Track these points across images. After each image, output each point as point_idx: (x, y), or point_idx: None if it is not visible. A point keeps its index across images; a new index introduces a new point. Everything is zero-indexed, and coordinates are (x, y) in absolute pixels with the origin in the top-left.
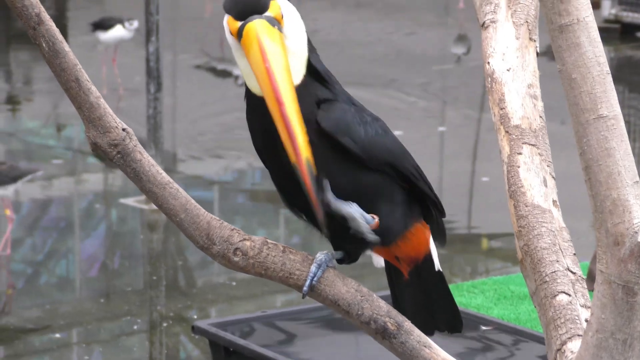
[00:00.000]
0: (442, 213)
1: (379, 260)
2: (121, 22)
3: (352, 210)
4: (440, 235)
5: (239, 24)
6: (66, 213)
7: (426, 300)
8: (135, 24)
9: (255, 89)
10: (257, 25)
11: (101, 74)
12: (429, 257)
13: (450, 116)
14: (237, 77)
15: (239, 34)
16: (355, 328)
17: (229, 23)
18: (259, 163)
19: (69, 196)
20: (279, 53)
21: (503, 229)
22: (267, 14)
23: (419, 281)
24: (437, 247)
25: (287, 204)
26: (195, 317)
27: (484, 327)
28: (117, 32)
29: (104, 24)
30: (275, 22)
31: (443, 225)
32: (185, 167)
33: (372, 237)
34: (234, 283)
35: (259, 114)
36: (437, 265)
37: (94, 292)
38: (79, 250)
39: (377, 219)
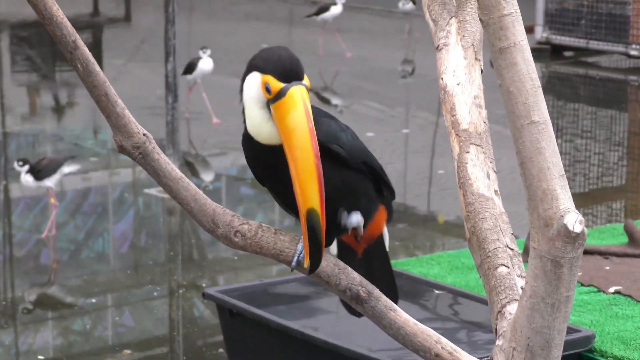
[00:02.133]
0: (394, 196)
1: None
2: (197, 60)
3: (359, 219)
4: (389, 214)
5: (282, 85)
6: (102, 200)
7: (372, 275)
8: (209, 51)
9: (269, 139)
10: (303, 90)
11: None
12: (380, 238)
13: (413, 120)
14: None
15: (279, 93)
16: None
17: (268, 81)
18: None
19: (103, 187)
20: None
21: (455, 213)
22: (304, 82)
23: (368, 259)
24: (387, 222)
25: (283, 206)
26: (205, 285)
27: (437, 292)
28: (199, 69)
29: (189, 69)
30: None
31: (392, 206)
32: (198, 163)
33: (362, 230)
34: (236, 257)
35: (267, 159)
36: (387, 246)
37: (124, 265)
38: (112, 231)
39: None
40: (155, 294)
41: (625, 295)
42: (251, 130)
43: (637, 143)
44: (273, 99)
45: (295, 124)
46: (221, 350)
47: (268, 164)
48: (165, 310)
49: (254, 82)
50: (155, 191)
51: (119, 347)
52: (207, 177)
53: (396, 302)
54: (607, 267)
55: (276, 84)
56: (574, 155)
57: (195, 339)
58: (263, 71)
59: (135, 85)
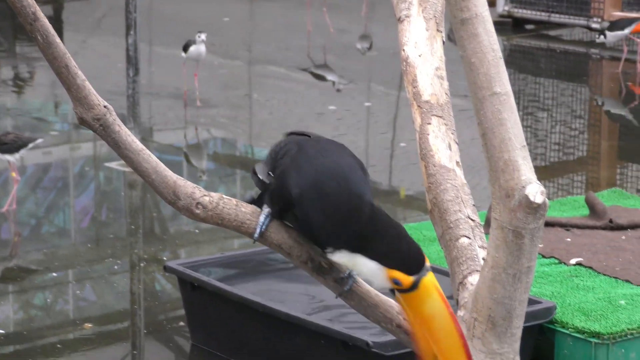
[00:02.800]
0: None
1: None
2: (193, 41)
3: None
4: None
5: (412, 278)
6: (62, 175)
7: None
8: (203, 36)
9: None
10: (432, 277)
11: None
12: None
13: (375, 94)
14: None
15: (412, 287)
16: (295, 267)
17: (397, 277)
18: (220, 134)
19: (64, 161)
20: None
21: (417, 186)
22: (428, 265)
23: None
24: None
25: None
26: (166, 258)
27: None
28: (194, 49)
29: (185, 49)
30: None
31: None
32: (158, 136)
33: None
34: (197, 231)
35: None
36: None
37: (85, 239)
38: (73, 205)
39: None
40: (116, 267)
41: (586, 266)
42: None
43: (598, 116)
44: (404, 290)
45: (435, 311)
46: (182, 323)
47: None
48: (127, 284)
49: (377, 272)
50: (116, 165)
51: (80, 320)
52: (168, 150)
53: None
54: (568, 239)
55: (406, 279)
56: (535, 128)
57: (157, 313)
58: (388, 266)
59: (96, 59)
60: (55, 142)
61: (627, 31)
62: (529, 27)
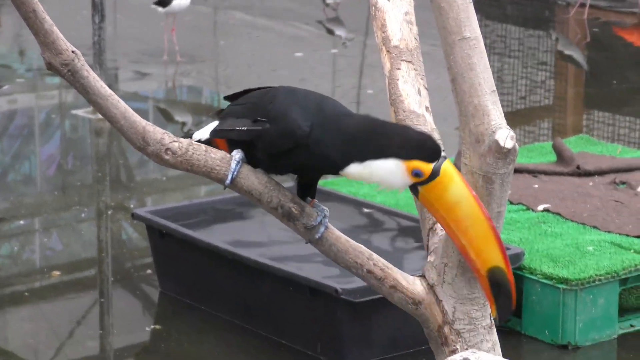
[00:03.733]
0: None
1: None
2: None
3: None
4: None
5: (432, 166)
6: (28, 123)
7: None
8: None
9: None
10: (450, 162)
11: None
12: None
13: (341, 41)
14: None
15: (432, 175)
16: (264, 213)
17: (418, 167)
18: (186, 82)
19: (30, 109)
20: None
21: None
22: (444, 152)
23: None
24: None
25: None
26: (133, 206)
27: (365, 209)
28: (176, 3)
29: (162, 3)
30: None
31: None
32: (124, 85)
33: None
34: (164, 178)
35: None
36: None
37: (51, 187)
38: (39, 153)
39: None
40: (83, 215)
41: (554, 213)
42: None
43: (564, 63)
44: (425, 181)
45: (459, 197)
46: (149, 271)
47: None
48: (94, 232)
49: (395, 170)
50: (83, 112)
51: (47, 269)
52: (133, 98)
53: None
54: (536, 185)
55: (427, 167)
56: (501, 74)
57: (124, 261)
58: (407, 157)
59: (60, 5)
60: (21, 89)
61: None
62: None
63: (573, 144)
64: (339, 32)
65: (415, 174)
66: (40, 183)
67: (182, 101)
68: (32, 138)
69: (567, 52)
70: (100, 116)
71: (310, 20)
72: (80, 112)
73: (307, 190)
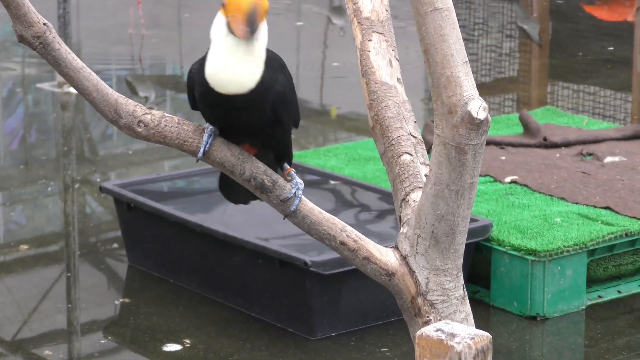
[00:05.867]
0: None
1: None
2: None
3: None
4: None
5: None
6: None
7: None
8: None
9: (231, 84)
10: None
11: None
12: None
13: (305, 13)
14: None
15: None
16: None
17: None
18: (149, 54)
19: None
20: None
21: (348, 105)
22: None
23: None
24: None
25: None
26: (99, 180)
27: (332, 182)
28: None
29: None
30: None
31: None
32: (88, 59)
33: None
34: (130, 152)
35: (227, 109)
36: None
37: (16, 161)
38: (2, 127)
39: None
40: (49, 190)
41: (521, 184)
42: (215, 75)
43: (526, 34)
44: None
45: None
46: (116, 245)
47: (226, 112)
48: (60, 206)
49: (218, 19)
50: (48, 85)
51: (14, 243)
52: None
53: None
54: (503, 157)
55: None
56: (466, 45)
57: (91, 235)
58: (223, 5)
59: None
60: None
61: None
62: None
63: (539, 116)
64: (337, 21)
65: (222, 4)
66: (3, 157)
67: (146, 75)
68: None
69: (522, 25)
70: (65, 90)
71: None
72: (45, 86)
73: (279, 158)
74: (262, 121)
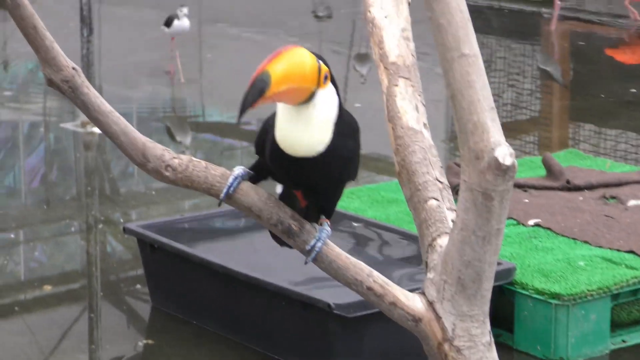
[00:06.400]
0: None
1: (279, 188)
2: (176, 16)
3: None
4: None
5: None
6: (12, 135)
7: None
8: (185, 9)
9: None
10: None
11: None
12: None
13: (325, 53)
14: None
15: None
16: (258, 228)
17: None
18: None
19: (16, 121)
20: (304, 62)
21: (372, 147)
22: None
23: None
24: None
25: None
26: (121, 220)
27: (355, 224)
28: (178, 24)
29: (167, 23)
30: (319, 64)
31: None
32: (109, 96)
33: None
34: (153, 192)
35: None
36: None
37: (39, 199)
38: (23, 166)
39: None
40: (71, 229)
41: (544, 227)
42: (283, 138)
43: (549, 77)
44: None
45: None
46: (138, 285)
47: (292, 170)
48: (82, 246)
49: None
50: (71, 125)
51: (37, 282)
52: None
53: None
54: (526, 200)
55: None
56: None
57: (113, 275)
58: None
59: (46, 18)
60: (5, 102)
61: None
62: None
63: (562, 158)
64: (360, 68)
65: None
66: (24, 196)
67: (169, 115)
68: (17, 151)
69: (544, 67)
70: (88, 130)
71: (295, 32)
72: (68, 126)
73: (323, 209)
74: (325, 180)
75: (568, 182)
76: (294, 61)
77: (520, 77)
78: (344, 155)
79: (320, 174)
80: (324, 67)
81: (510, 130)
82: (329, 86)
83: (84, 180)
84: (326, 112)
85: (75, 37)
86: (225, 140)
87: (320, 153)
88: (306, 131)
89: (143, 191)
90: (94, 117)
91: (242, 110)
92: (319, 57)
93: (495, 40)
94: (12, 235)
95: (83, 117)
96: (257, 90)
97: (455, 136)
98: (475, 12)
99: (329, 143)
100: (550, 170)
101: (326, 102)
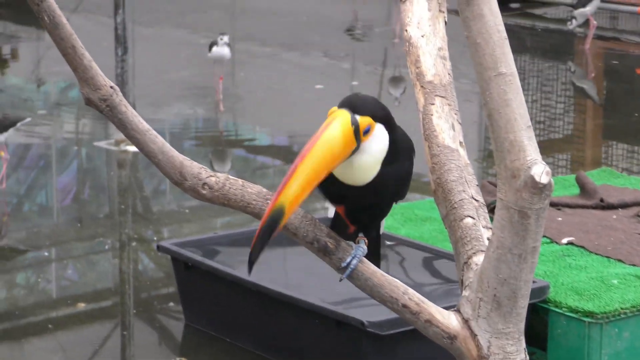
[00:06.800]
0: None
1: (332, 210)
2: (216, 42)
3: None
4: None
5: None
6: (45, 152)
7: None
8: (226, 38)
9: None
10: (341, 113)
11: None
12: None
13: (360, 73)
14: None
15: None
16: (290, 245)
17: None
18: (202, 112)
19: (50, 140)
20: (335, 143)
21: None
22: (356, 116)
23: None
24: None
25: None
26: (155, 238)
27: (388, 242)
28: (216, 51)
29: (209, 47)
30: (356, 124)
31: None
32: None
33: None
34: (187, 210)
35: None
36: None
37: (75, 218)
38: (56, 183)
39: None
40: (105, 247)
41: (578, 246)
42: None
43: (582, 94)
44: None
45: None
46: (172, 303)
47: (344, 193)
48: (115, 264)
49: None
50: (105, 144)
51: (70, 300)
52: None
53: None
54: (560, 218)
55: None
56: None
57: (146, 293)
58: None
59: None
60: (39, 121)
61: (588, 8)
62: (514, 5)
63: (596, 177)
64: (394, 91)
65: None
66: (56, 214)
67: (199, 133)
68: (50, 170)
69: (579, 84)
70: (122, 148)
71: (329, 51)
72: (102, 144)
73: (364, 228)
74: (374, 201)
75: (602, 200)
76: (320, 155)
77: (554, 96)
78: (393, 180)
79: (370, 198)
80: (363, 122)
81: (544, 148)
82: (375, 130)
83: (117, 198)
84: (373, 155)
85: (107, 56)
86: (257, 157)
87: (369, 182)
88: (355, 173)
89: (175, 209)
90: (132, 135)
91: (252, 260)
92: (363, 102)
93: (529, 59)
94: (46, 253)
95: (117, 136)
96: (269, 230)
97: (488, 155)
98: (510, 31)
99: (376, 174)
100: (584, 189)
101: (372, 147)
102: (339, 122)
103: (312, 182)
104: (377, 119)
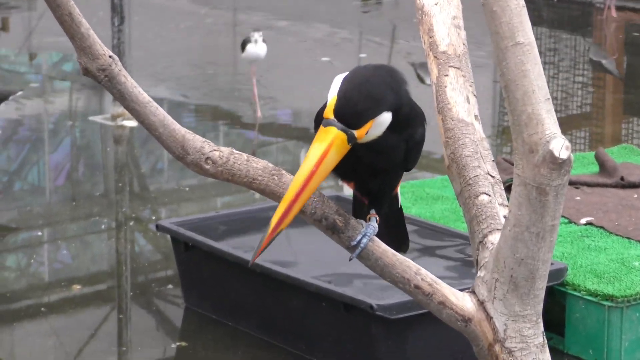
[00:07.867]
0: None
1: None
2: (249, 40)
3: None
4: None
5: (331, 117)
6: (37, 127)
7: (385, 226)
8: (259, 34)
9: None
10: (339, 135)
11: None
12: (396, 195)
13: (368, 45)
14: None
15: (324, 122)
16: (295, 225)
17: (327, 110)
18: (204, 85)
19: (42, 115)
20: (330, 165)
21: None
22: (352, 131)
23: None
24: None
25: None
26: (154, 217)
27: None
28: (251, 50)
29: (241, 47)
30: (354, 139)
31: None
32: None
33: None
34: (186, 189)
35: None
36: (399, 203)
37: (69, 197)
38: (48, 161)
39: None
40: (102, 227)
41: (597, 226)
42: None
43: (601, 68)
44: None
45: (309, 157)
46: (170, 285)
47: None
48: (112, 244)
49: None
50: (101, 118)
51: (64, 282)
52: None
53: (404, 252)
54: (578, 197)
55: (328, 113)
56: None
57: (144, 274)
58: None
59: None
60: (33, 94)
61: None
62: None
63: (616, 154)
64: (426, 77)
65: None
66: (48, 194)
67: (200, 105)
68: (43, 145)
69: (596, 59)
70: (119, 123)
71: (338, 23)
72: (98, 119)
73: (374, 202)
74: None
75: (622, 178)
76: (318, 181)
77: (572, 70)
78: (396, 141)
79: (377, 157)
80: (361, 132)
81: (561, 124)
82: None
83: (114, 176)
84: (375, 134)
85: (104, 27)
86: (259, 136)
87: (375, 140)
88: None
89: (175, 187)
90: (131, 107)
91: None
92: (362, 111)
93: (547, 31)
94: (39, 233)
95: (113, 110)
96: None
97: (503, 131)
98: (527, 2)
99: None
100: (604, 167)
101: (372, 132)
102: (335, 150)
103: (309, 196)
104: (378, 115)
